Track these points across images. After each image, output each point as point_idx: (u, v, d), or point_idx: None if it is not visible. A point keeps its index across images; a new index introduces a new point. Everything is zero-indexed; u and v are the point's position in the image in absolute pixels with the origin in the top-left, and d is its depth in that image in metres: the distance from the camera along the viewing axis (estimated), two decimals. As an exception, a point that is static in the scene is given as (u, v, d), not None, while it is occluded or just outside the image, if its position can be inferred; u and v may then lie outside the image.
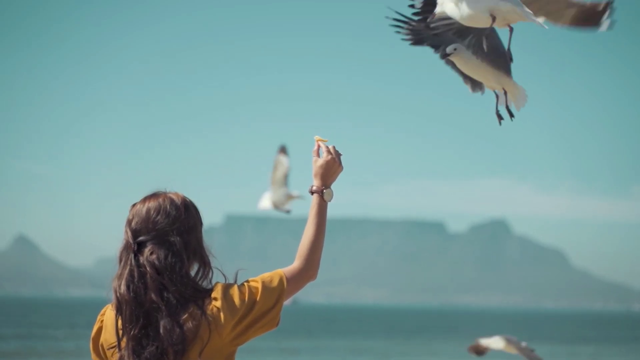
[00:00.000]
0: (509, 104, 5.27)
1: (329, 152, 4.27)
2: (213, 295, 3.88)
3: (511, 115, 5.27)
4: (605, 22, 4.81)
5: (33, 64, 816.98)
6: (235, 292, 3.90)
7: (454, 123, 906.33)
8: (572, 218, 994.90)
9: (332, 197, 4.22)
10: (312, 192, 4.24)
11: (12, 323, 78.73)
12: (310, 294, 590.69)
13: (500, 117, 5.30)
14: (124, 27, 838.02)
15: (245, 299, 3.88)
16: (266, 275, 4.00)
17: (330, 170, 4.25)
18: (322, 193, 4.22)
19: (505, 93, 5.22)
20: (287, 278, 4.00)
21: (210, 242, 3.96)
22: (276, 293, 3.93)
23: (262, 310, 3.90)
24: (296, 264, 4.09)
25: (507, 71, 5.17)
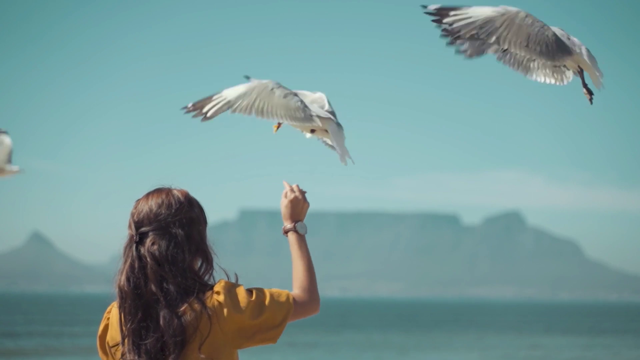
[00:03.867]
0: (586, 82, 5.06)
1: (292, 190, 4.31)
2: (216, 289, 3.89)
3: (590, 94, 5.06)
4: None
5: (37, 64, 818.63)
6: (241, 291, 3.90)
7: (466, 116, 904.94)
8: (586, 209, 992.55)
9: (306, 230, 4.26)
10: (285, 232, 4.28)
11: (29, 321, 79.01)
12: (325, 288, 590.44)
13: (590, 94, 5.07)
14: (128, 25, 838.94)
15: (252, 299, 3.89)
16: (274, 289, 3.99)
17: (297, 208, 4.29)
18: (296, 229, 4.25)
19: (581, 70, 5.03)
20: (295, 300, 4.00)
21: (217, 238, 3.86)
22: (285, 309, 3.93)
23: (269, 324, 3.90)
24: (301, 294, 4.06)
25: (567, 49, 4.92)
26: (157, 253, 3.87)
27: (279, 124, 5.01)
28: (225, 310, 3.84)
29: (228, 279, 3.98)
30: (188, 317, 3.83)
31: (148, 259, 3.87)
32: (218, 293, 3.87)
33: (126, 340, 3.88)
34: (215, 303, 3.85)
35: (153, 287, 3.84)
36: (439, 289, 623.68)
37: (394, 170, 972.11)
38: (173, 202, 3.96)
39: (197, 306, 3.83)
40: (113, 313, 4.00)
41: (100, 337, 4.04)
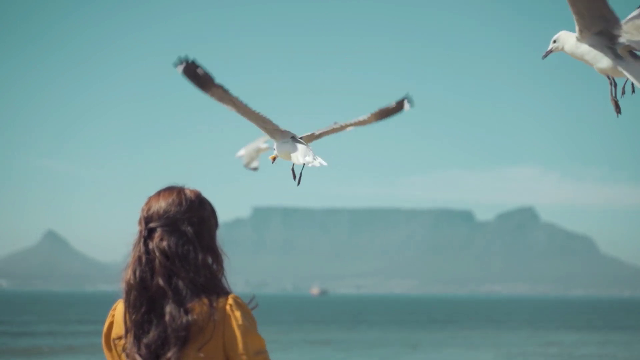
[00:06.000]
0: (617, 94, 4.93)
1: None
2: (231, 301, 3.85)
3: (618, 109, 4.93)
4: (406, 105, 5.30)
5: (37, 64, 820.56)
6: (255, 325, 3.88)
7: (480, 114, 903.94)
8: (600, 205, 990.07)
9: None
10: None
11: (45, 320, 79.26)
12: (340, 285, 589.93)
13: (616, 107, 4.94)
14: (128, 25, 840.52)
15: (261, 338, 3.86)
16: None
17: None
18: None
19: (613, 82, 4.90)
20: None
21: (231, 236, 3.93)
22: None
23: None
24: None
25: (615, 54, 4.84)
26: (166, 248, 3.86)
27: (276, 155, 5.51)
28: (235, 325, 3.81)
29: (251, 299, 3.94)
30: (195, 315, 3.80)
31: (157, 254, 3.86)
32: (232, 306, 3.83)
33: (128, 333, 3.86)
34: (228, 312, 3.82)
35: (160, 281, 3.83)
36: (453, 285, 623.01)
37: (407, 168, 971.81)
38: (184, 201, 3.95)
39: (206, 307, 3.81)
40: (118, 310, 3.99)
41: (105, 334, 4.02)
